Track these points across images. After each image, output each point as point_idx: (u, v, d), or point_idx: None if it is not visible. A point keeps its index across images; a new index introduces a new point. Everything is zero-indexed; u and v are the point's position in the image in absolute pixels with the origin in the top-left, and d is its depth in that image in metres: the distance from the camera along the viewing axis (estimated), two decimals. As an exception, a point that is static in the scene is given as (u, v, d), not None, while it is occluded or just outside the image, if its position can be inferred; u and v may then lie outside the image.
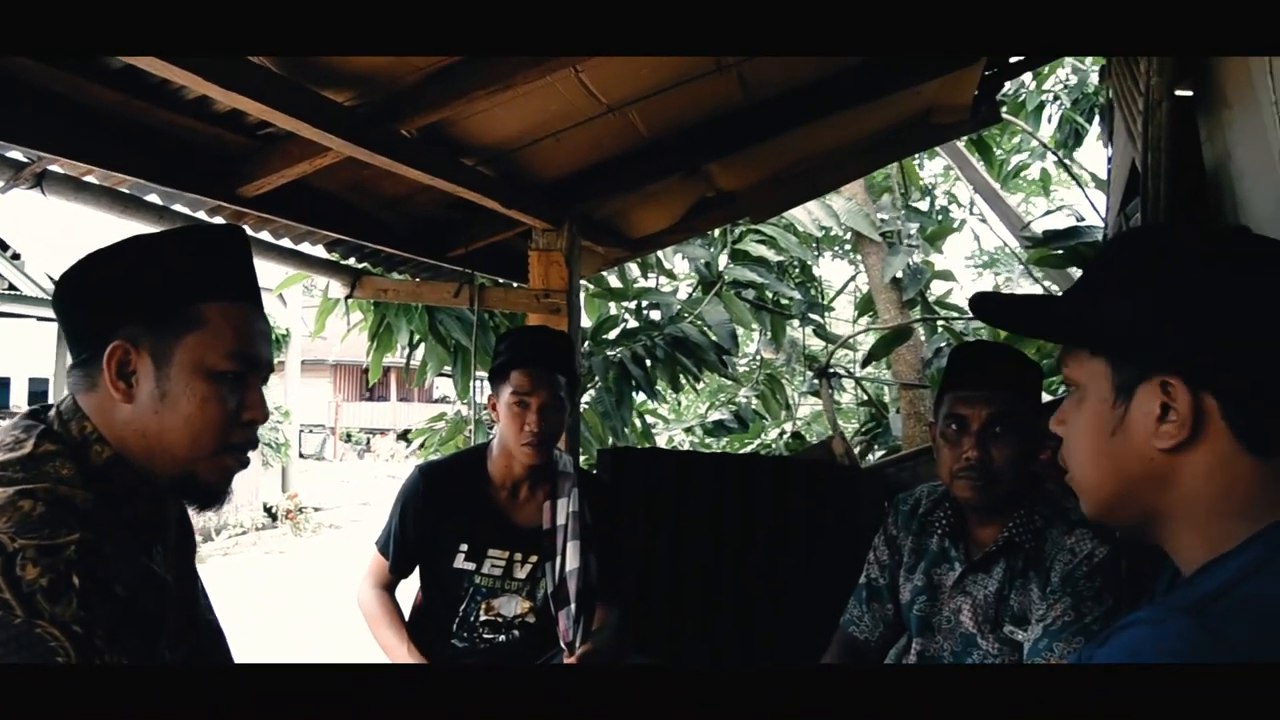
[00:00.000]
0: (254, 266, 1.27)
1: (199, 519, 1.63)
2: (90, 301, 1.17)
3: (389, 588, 2.45)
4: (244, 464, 1.23)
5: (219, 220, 2.73)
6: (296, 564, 11.91)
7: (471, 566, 2.35)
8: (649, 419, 6.61)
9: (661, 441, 7.72)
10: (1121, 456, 0.91)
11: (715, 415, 7.99)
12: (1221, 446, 0.86)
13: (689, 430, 8.26)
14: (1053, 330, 1.02)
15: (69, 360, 1.20)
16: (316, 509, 15.94)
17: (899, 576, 2.12)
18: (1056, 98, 8.03)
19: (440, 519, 2.37)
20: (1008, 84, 5.07)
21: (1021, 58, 3.77)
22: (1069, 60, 7.63)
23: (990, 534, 1.95)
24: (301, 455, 19.92)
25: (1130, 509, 0.93)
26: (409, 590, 2.51)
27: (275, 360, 1.29)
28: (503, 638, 2.37)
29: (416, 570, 2.47)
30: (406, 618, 2.44)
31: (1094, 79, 7.71)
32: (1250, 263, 0.87)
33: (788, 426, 8.16)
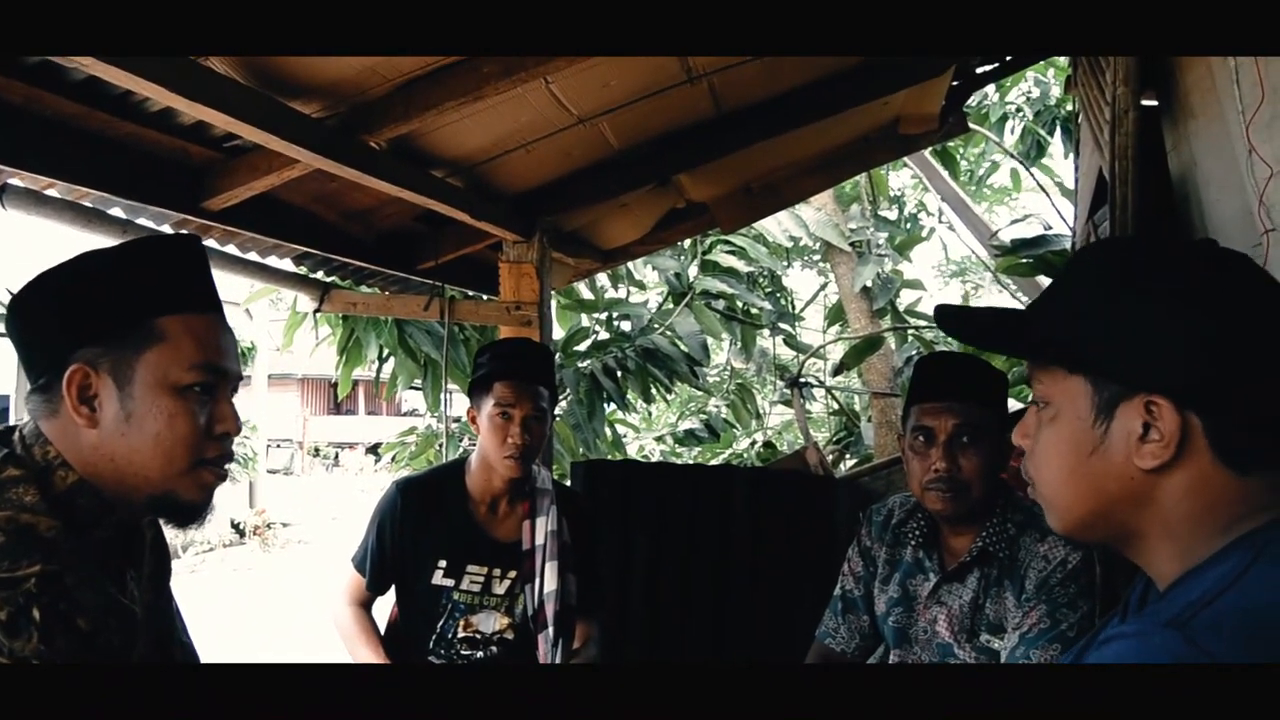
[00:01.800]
0: (211, 275, 1.23)
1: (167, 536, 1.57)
2: (43, 324, 1.13)
3: (365, 605, 2.41)
4: (223, 478, 1.20)
5: (202, 237, 2.69)
6: (265, 580, 11.79)
7: (450, 583, 2.32)
8: (619, 428, 6.60)
9: (632, 451, 7.72)
10: (1100, 476, 0.90)
11: (686, 425, 8.01)
12: (1202, 465, 0.85)
13: (660, 439, 8.26)
14: (1026, 348, 0.99)
15: (27, 384, 1.15)
16: (285, 524, 15.78)
17: (874, 588, 2.11)
18: (1019, 110, 8.11)
19: (418, 535, 2.33)
20: (972, 96, 5.11)
21: (988, 68, 3.81)
22: (1031, 73, 7.72)
23: (964, 543, 1.95)
24: (269, 470, 19.70)
25: (1105, 527, 0.92)
26: (383, 606, 2.47)
27: (242, 373, 1.26)
28: (481, 654, 2.34)
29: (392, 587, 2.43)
30: (382, 634, 2.41)
31: (1056, 91, 7.80)
32: (1228, 278, 0.87)
33: (759, 436, 8.18)
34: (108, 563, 1.13)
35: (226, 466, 1.20)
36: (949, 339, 6.47)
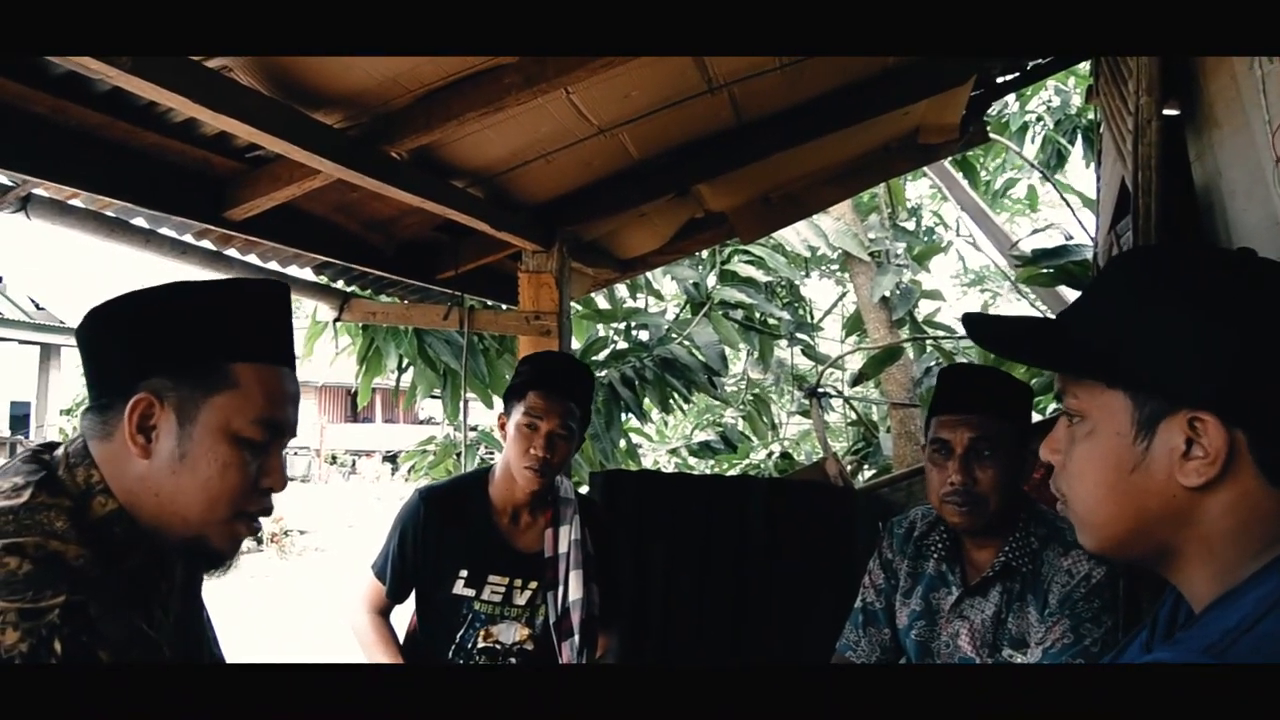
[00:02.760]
0: (292, 327, 1.22)
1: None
2: (120, 346, 1.11)
3: (384, 612, 2.41)
4: (255, 531, 1.19)
5: (223, 247, 2.71)
6: (282, 587, 11.82)
7: (471, 593, 2.31)
8: (634, 439, 6.59)
9: (647, 463, 7.69)
10: (1140, 494, 0.87)
11: (701, 436, 7.98)
12: (1246, 482, 0.83)
13: (674, 452, 8.22)
14: (1062, 360, 0.95)
15: (85, 399, 1.14)
16: (302, 532, 15.83)
17: (895, 601, 2.10)
18: (1040, 119, 8.08)
19: (440, 544, 2.33)
20: (992, 105, 5.09)
21: (1009, 77, 3.79)
22: (1051, 82, 7.69)
23: (986, 557, 1.93)
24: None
25: (1142, 546, 0.90)
26: (402, 614, 2.47)
27: (298, 429, 1.24)
28: (500, 664, 2.34)
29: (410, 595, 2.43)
30: (400, 643, 2.41)
31: (1077, 100, 7.77)
32: (1272, 288, 0.84)
33: (775, 447, 8.14)
34: (137, 584, 1.11)
35: (260, 520, 1.19)
36: (969, 350, 6.44)
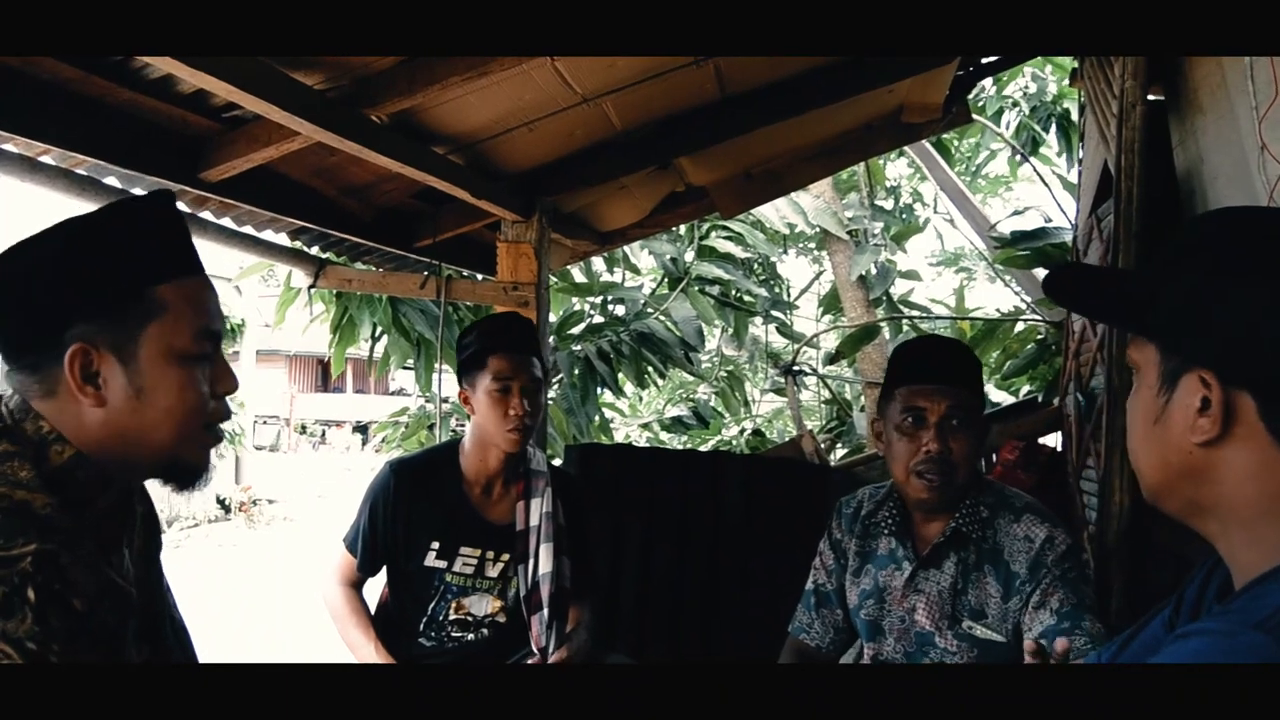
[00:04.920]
0: (189, 231, 1.19)
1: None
2: (29, 303, 1.06)
3: (356, 585, 2.39)
4: (220, 437, 1.18)
5: (198, 209, 2.66)
6: (250, 557, 11.77)
7: (443, 565, 2.30)
8: (606, 413, 6.58)
9: (619, 437, 7.69)
10: (1162, 445, 0.90)
11: (674, 411, 7.99)
12: (1261, 447, 0.83)
13: (646, 426, 8.23)
14: (1115, 312, 1.01)
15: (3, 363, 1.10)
16: (270, 501, 15.77)
17: (845, 580, 2.09)
18: (1015, 104, 8.08)
19: (412, 517, 2.31)
20: (976, 86, 5.08)
21: (994, 58, 3.79)
22: (1028, 68, 7.69)
23: (936, 529, 1.92)
24: (256, 447, 19.63)
25: (1175, 499, 0.92)
26: (374, 586, 2.45)
27: (231, 350, 1.23)
28: (472, 636, 2.33)
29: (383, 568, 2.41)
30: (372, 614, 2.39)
31: (1053, 87, 7.77)
32: None
33: (748, 424, 8.17)
34: (103, 539, 1.10)
35: (221, 426, 1.19)
36: (944, 330, 6.46)
